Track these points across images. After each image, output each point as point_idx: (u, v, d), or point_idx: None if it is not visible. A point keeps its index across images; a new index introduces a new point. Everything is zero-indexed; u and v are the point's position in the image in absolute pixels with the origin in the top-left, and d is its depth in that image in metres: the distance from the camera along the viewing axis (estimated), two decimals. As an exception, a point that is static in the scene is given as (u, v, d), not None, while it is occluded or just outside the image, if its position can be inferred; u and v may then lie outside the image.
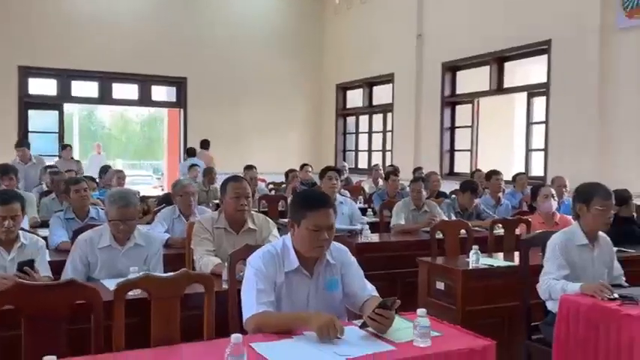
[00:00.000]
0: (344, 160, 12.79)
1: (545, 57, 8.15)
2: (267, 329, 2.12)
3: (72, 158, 9.63)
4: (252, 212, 3.55)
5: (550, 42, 7.99)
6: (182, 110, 12.22)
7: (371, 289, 2.44)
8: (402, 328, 2.18)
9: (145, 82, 11.91)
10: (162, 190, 13.00)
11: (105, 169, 7.56)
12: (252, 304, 2.19)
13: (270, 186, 9.12)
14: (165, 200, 5.01)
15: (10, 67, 10.56)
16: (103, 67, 11.13)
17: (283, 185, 8.49)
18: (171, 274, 2.25)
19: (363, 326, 2.17)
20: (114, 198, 3.06)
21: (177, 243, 4.01)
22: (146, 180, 18.81)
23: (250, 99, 12.33)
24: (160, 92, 12.51)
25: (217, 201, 7.25)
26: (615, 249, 3.41)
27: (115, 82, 11.74)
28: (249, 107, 12.32)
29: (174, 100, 12.40)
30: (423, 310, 2.10)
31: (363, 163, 12.69)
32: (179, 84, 12.12)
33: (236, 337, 1.75)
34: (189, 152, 10.84)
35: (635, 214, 4.87)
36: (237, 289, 2.65)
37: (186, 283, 2.20)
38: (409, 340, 2.07)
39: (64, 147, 9.75)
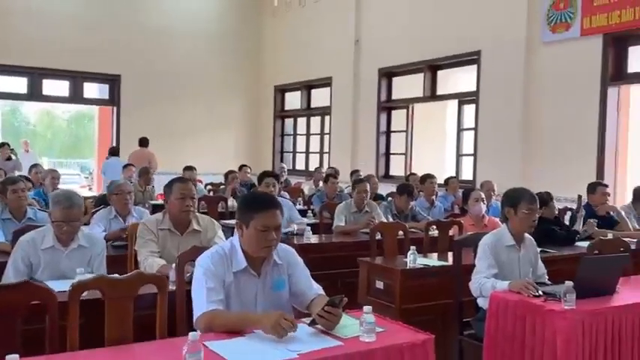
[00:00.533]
0: (282, 161, 12.88)
1: (475, 67, 8.56)
2: (217, 328, 2.18)
3: (9, 158, 9.29)
4: (197, 214, 3.58)
5: (480, 53, 8.41)
6: (115, 108, 11.93)
7: (317, 289, 2.54)
8: (349, 324, 2.30)
9: (77, 78, 11.55)
10: (90, 189, 12.65)
11: (34, 168, 7.32)
12: (202, 302, 2.25)
13: (209, 187, 9.08)
14: (103, 201, 4.94)
15: None
16: (33, 62, 10.72)
17: (222, 186, 8.49)
18: (125, 275, 2.28)
19: (312, 324, 2.27)
20: (58, 199, 3.02)
21: (114, 235, 4.01)
22: (74, 179, 18.16)
23: (186, 99, 12.20)
24: (92, 89, 12.15)
25: (153, 202, 7.24)
26: (539, 249, 3.68)
27: (45, 79, 11.32)
28: (185, 107, 12.18)
29: (106, 97, 12.08)
30: (369, 307, 2.23)
31: (300, 165, 12.82)
32: (112, 81, 11.82)
33: (193, 334, 1.81)
34: (112, 151, 10.60)
35: (556, 215, 5.25)
36: (185, 290, 2.69)
37: (140, 284, 2.23)
38: (355, 335, 2.20)
39: (1, 145, 9.34)
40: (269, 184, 5.36)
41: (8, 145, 9.83)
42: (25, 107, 23.90)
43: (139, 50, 11.61)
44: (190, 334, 1.81)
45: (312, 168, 11.21)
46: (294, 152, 13.23)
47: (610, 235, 4.58)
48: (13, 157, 9.67)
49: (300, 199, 7.92)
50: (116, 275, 2.31)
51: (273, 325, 2.09)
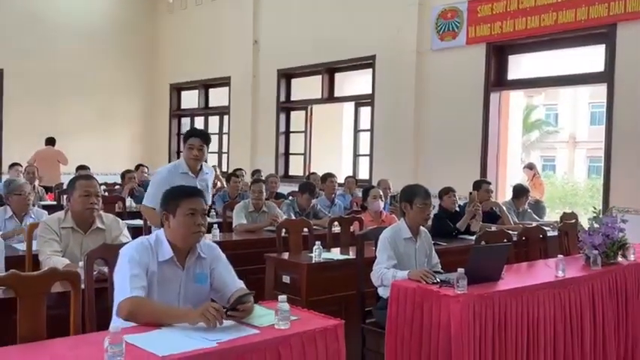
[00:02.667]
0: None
1: (370, 71, 8.94)
2: (140, 316, 2.19)
3: None
4: (102, 212, 3.51)
5: (374, 57, 8.79)
6: (-4, 104, 11.14)
7: (239, 283, 2.60)
8: (264, 314, 2.40)
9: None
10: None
11: None
12: (125, 288, 2.25)
13: (103, 187, 8.74)
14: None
15: None
16: None
17: (117, 186, 8.21)
18: (39, 271, 2.22)
19: (227, 315, 2.33)
20: None
21: (11, 234, 3.84)
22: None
23: (77, 95, 11.65)
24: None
25: (43, 202, 6.90)
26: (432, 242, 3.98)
27: None
28: (75, 103, 11.63)
29: (-14, 92, 11.24)
30: (284, 296, 2.34)
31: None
32: (-7, 75, 11.03)
33: (114, 327, 1.83)
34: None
35: (457, 210, 5.61)
36: (94, 288, 2.66)
37: (53, 281, 2.19)
38: (271, 324, 2.30)
39: None
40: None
41: None
42: None
43: (25, 44, 10.92)
44: (111, 326, 1.83)
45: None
46: (192, 152, 13.00)
47: (494, 229, 5.02)
48: None
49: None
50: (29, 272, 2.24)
51: (202, 311, 2.14)
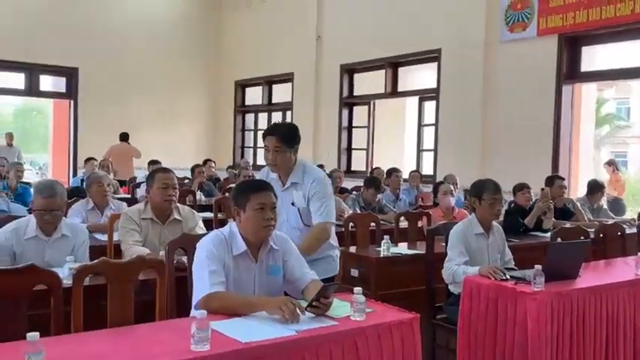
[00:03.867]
0: (242, 156, 12.88)
1: (435, 64, 8.81)
2: (220, 309, 2.24)
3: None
4: (178, 204, 3.63)
5: (440, 51, 8.65)
6: (72, 102, 11.67)
7: (311, 274, 2.62)
8: (339, 306, 2.42)
9: (34, 71, 11.24)
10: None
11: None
12: (205, 284, 2.30)
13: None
14: (75, 192, 4.90)
15: None
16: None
17: (186, 180, 8.46)
18: (128, 259, 2.32)
19: (308, 308, 2.35)
20: (39, 188, 3.03)
21: (97, 228, 4.01)
22: (25, 174, 17.62)
23: (145, 92, 12.04)
24: (47, 82, 11.84)
25: (118, 195, 7.18)
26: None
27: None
28: (143, 100, 12.02)
29: (63, 90, 11.80)
30: (359, 288, 2.35)
31: (261, 160, 12.82)
32: (69, 74, 11.56)
33: (201, 312, 1.89)
34: (122, 137, 10.59)
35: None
36: (175, 276, 2.75)
37: (141, 268, 2.29)
38: (346, 315, 2.32)
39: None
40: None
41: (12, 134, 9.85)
42: (-32, 100, 22.99)
43: (98, 43, 11.37)
44: (198, 312, 1.89)
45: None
46: (255, 147, 13.24)
47: (568, 225, 4.86)
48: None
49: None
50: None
51: (280, 304, 2.17)
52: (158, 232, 3.46)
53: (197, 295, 2.31)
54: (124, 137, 10.60)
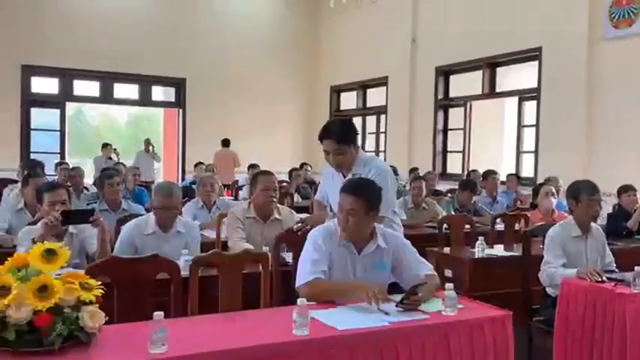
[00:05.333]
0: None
1: (536, 63, 8.56)
2: (319, 295, 2.41)
3: (110, 158, 10.24)
4: (278, 205, 3.88)
5: (541, 49, 8.40)
6: (181, 110, 12.47)
7: (427, 270, 2.71)
8: (431, 301, 2.51)
9: (146, 82, 12.16)
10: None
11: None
12: (306, 272, 2.49)
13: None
14: (184, 194, 5.32)
15: (14, 66, 10.74)
16: (105, 67, 11.35)
17: (285, 183, 8.81)
18: (235, 252, 2.57)
19: (398, 305, 2.47)
20: (159, 189, 3.37)
21: (206, 225, 4.39)
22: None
23: (246, 100, 12.60)
24: (158, 92, 12.75)
25: (221, 198, 7.65)
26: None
27: (116, 82, 11.96)
28: (244, 107, 12.58)
29: (172, 100, 12.65)
30: (450, 284, 2.43)
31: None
32: (178, 85, 12.37)
33: (302, 300, 2.07)
34: (224, 143, 11.35)
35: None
36: (280, 270, 2.97)
37: (248, 260, 2.52)
38: (437, 310, 2.41)
39: (104, 146, 10.63)
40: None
41: (110, 145, 10.82)
42: (87, 110, 24.94)
43: (203, 54, 12.11)
44: (299, 299, 2.07)
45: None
46: (350, 151, 13.41)
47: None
48: (114, 157, 10.51)
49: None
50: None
51: (366, 289, 2.33)
52: (260, 230, 3.72)
53: (299, 281, 2.50)
54: (226, 143, 11.22)
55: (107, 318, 1.85)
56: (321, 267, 2.52)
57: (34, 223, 3.33)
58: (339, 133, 3.12)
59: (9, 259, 1.85)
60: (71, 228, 3.12)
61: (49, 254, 1.81)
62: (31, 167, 5.29)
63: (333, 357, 2.00)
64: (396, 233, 2.82)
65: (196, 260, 2.43)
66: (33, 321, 1.71)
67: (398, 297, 2.45)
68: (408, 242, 2.80)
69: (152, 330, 1.79)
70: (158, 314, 1.81)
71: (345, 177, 3.17)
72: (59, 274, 1.85)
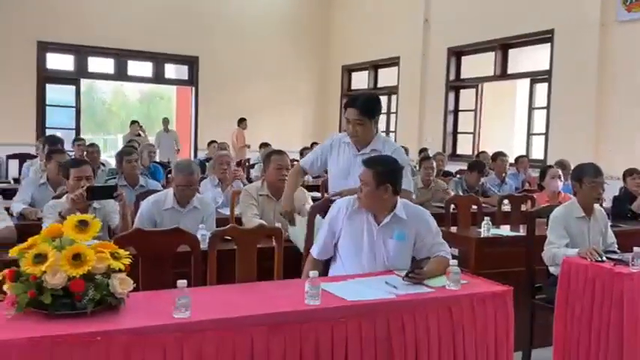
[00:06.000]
0: (348, 139, 13.21)
1: (548, 45, 8.57)
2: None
3: (139, 134, 10.44)
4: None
5: (553, 31, 8.41)
6: (194, 88, 12.58)
7: (441, 253, 2.82)
8: (436, 278, 2.64)
9: (159, 60, 12.27)
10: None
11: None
12: (314, 246, 2.82)
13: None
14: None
15: (29, 42, 10.86)
16: (120, 44, 11.45)
17: (295, 162, 8.91)
18: (251, 227, 2.72)
19: (405, 278, 2.60)
20: (180, 167, 3.51)
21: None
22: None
23: (257, 78, 12.66)
24: (171, 70, 12.85)
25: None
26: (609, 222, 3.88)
27: (130, 60, 12.07)
28: (255, 86, 12.65)
29: (185, 78, 12.75)
30: (455, 261, 2.57)
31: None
32: (191, 63, 12.46)
33: (313, 272, 2.21)
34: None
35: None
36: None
37: (263, 235, 2.66)
38: (442, 285, 2.54)
39: (132, 123, 10.90)
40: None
41: (138, 122, 11.02)
42: (98, 86, 25.08)
43: (216, 34, 12.16)
44: (311, 272, 2.21)
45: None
46: (360, 131, 13.48)
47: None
48: (142, 134, 10.70)
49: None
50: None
51: None
52: (273, 207, 3.86)
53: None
54: (242, 122, 11.37)
55: (135, 285, 2.00)
56: (321, 241, 2.76)
57: (58, 197, 3.49)
58: (364, 105, 3.15)
59: (44, 229, 2.00)
60: (95, 203, 3.27)
61: (82, 225, 1.95)
62: (51, 143, 5.44)
63: (343, 325, 2.14)
64: (421, 208, 2.91)
65: (215, 233, 2.58)
66: (67, 286, 1.86)
67: (403, 272, 2.58)
68: (434, 221, 2.89)
69: (176, 296, 1.94)
70: (182, 282, 1.96)
71: (359, 151, 3.20)
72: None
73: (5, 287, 1.90)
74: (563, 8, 8.18)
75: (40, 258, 1.88)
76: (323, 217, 3.00)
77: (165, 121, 11.60)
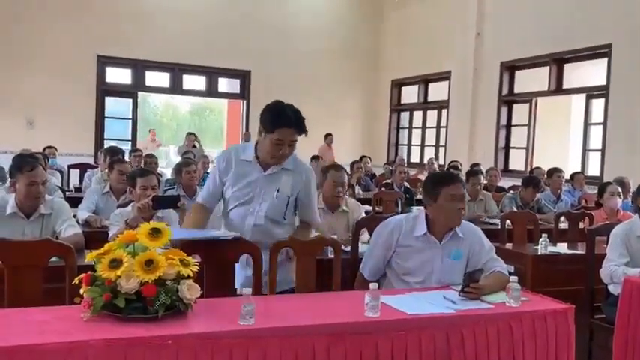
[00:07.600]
0: (396, 154, 13.19)
1: (604, 60, 8.37)
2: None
3: (194, 146, 10.78)
4: (345, 197, 4.06)
5: (610, 46, 8.21)
6: (245, 102, 12.82)
7: (495, 267, 2.81)
8: (496, 294, 2.62)
9: (213, 74, 12.58)
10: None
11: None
12: (363, 264, 2.86)
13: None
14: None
15: (90, 56, 11.34)
16: (175, 58, 11.82)
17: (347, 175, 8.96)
18: (311, 238, 2.77)
19: (461, 292, 2.59)
20: None
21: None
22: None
23: (307, 92, 12.66)
24: (224, 84, 13.15)
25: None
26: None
27: (185, 74, 12.43)
28: (304, 99, 12.52)
29: (237, 91, 13.02)
30: (515, 277, 2.54)
31: (415, 158, 13.05)
32: (243, 77, 12.72)
33: (373, 285, 2.24)
34: None
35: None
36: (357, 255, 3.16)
37: (322, 245, 2.72)
38: (502, 301, 2.52)
39: (188, 134, 11.25)
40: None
41: (194, 134, 11.30)
42: (152, 99, 25.79)
43: (267, 47, 12.38)
44: (371, 284, 2.24)
45: (427, 161, 11.41)
46: (409, 145, 13.47)
47: None
48: (197, 145, 11.03)
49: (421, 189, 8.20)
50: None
51: None
52: (328, 220, 3.90)
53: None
54: (326, 137, 11.71)
55: (202, 291, 2.07)
56: (371, 263, 2.81)
57: (124, 205, 3.63)
58: (300, 123, 2.83)
59: (119, 236, 2.10)
60: (159, 212, 3.39)
61: (155, 232, 2.04)
62: (113, 154, 5.66)
63: (403, 338, 2.15)
64: (474, 226, 2.94)
65: (276, 244, 2.63)
66: (140, 291, 1.95)
67: (458, 287, 2.57)
68: (486, 238, 2.91)
69: (241, 304, 2.00)
70: (247, 290, 2.02)
71: (264, 169, 2.81)
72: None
73: (82, 290, 1.99)
74: (621, 23, 7.99)
75: (116, 263, 1.97)
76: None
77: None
